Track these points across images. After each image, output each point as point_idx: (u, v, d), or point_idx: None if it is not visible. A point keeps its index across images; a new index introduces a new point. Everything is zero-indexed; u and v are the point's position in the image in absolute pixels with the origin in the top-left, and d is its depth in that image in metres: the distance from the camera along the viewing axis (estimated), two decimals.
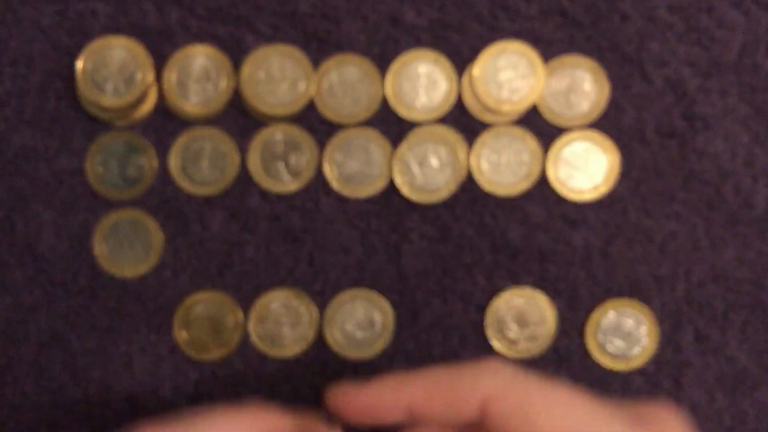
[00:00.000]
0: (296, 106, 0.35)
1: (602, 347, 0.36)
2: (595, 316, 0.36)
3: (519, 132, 0.36)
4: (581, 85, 0.35)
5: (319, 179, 0.36)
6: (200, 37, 0.35)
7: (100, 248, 0.35)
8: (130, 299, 0.35)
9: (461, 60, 0.35)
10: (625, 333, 0.36)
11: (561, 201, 0.36)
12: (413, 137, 0.35)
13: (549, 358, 0.36)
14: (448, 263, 0.36)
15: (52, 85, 0.35)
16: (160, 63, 0.35)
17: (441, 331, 0.36)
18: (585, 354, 0.36)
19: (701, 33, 0.36)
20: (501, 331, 0.36)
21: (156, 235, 0.35)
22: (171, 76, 0.35)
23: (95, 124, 0.35)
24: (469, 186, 0.36)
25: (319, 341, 0.36)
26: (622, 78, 0.36)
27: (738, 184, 0.36)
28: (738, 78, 0.36)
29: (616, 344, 0.36)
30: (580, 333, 0.36)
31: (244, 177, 0.35)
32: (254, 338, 0.35)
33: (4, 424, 0.35)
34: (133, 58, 0.34)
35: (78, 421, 0.35)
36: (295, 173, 0.35)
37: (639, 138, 0.36)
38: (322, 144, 0.35)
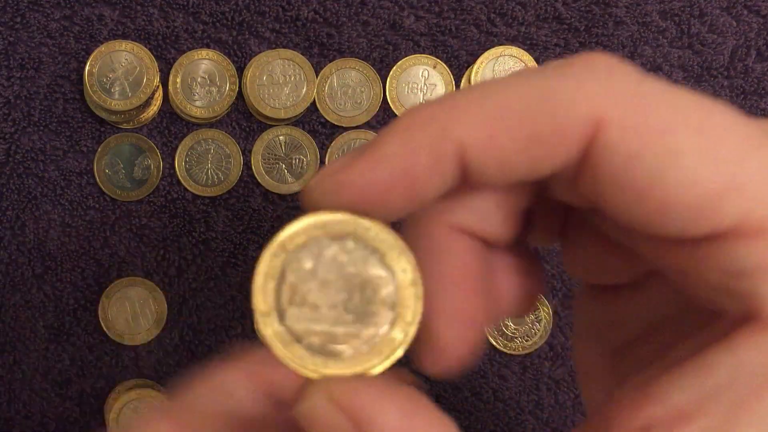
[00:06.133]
0: (298, 109, 0.35)
1: None
2: None
3: None
4: None
5: None
6: (205, 42, 0.35)
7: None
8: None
9: (459, 64, 0.36)
10: None
11: None
12: None
13: (545, 356, 0.36)
14: None
15: (61, 89, 0.35)
16: (165, 67, 0.35)
17: None
18: None
19: (693, 38, 0.36)
20: (498, 329, 0.36)
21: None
22: (176, 79, 0.35)
23: (102, 126, 0.35)
24: None
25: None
26: None
27: None
28: (729, 82, 0.36)
29: None
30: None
31: (247, 178, 0.36)
32: (258, 335, 0.36)
33: (14, 418, 0.35)
34: (140, 62, 0.34)
35: (86, 415, 0.35)
36: (297, 174, 0.36)
37: None
38: (323, 146, 0.36)
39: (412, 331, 0.17)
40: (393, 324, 0.17)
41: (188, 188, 0.35)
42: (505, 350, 0.36)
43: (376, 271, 0.17)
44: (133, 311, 0.35)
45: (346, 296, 0.17)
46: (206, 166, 0.35)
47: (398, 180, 0.16)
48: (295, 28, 0.35)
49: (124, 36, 0.35)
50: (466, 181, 0.17)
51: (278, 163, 0.35)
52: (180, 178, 0.35)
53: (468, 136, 0.16)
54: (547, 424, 0.36)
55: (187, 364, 0.36)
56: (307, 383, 0.17)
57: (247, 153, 0.36)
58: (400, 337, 0.17)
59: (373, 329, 0.17)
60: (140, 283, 0.35)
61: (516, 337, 0.36)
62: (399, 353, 0.17)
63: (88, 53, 0.35)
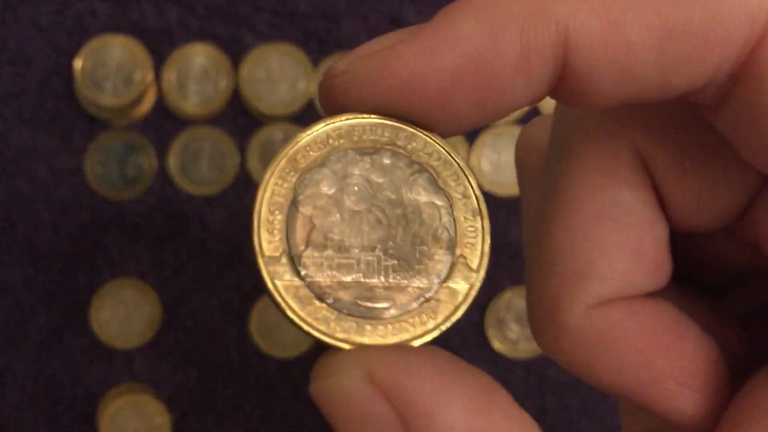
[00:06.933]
0: (296, 106, 0.35)
1: None
2: None
3: (519, 131, 0.36)
4: None
5: None
6: (199, 37, 0.35)
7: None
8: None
9: None
10: None
11: None
12: None
13: (550, 360, 0.36)
14: None
15: (51, 85, 0.35)
16: (159, 62, 0.35)
17: None
18: None
19: None
20: (501, 331, 0.36)
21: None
22: (170, 75, 0.35)
23: (94, 123, 0.35)
24: None
25: (320, 341, 0.36)
26: None
27: None
28: None
29: None
30: None
31: (243, 176, 0.35)
32: (255, 338, 0.35)
33: (5, 424, 0.35)
34: (132, 58, 0.34)
35: (78, 420, 0.35)
36: None
37: None
38: None
39: (479, 280, 0.13)
40: (452, 271, 0.13)
41: (183, 187, 0.35)
42: (509, 354, 0.36)
43: (426, 196, 0.13)
44: (127, 314, 0.35)
45: (385, 232, 0.13)
46: (201, 164, 0.35)
47: (470, 73, 0.11)
48: (293, 22, 0.35)
49: (117, 30, 0.35)
50: (559, 92, 0.12)
51: None
52: (174, 176, 0.35)
53: (578, 21, 0.11)
54: (552, 428, 0.36)
55: (183, 368, 0.35)
56: (333, 352, 0.13)
57: (243, 150, 0.35)
58: (462, 290, 0.13)
59: (424, 279, 0.13)
60: (133, 284, 0.35)
61: (520, 340, 0.36)
62: (461, 312, 0.13)
63: (80, 48, 0.34)
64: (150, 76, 0.34)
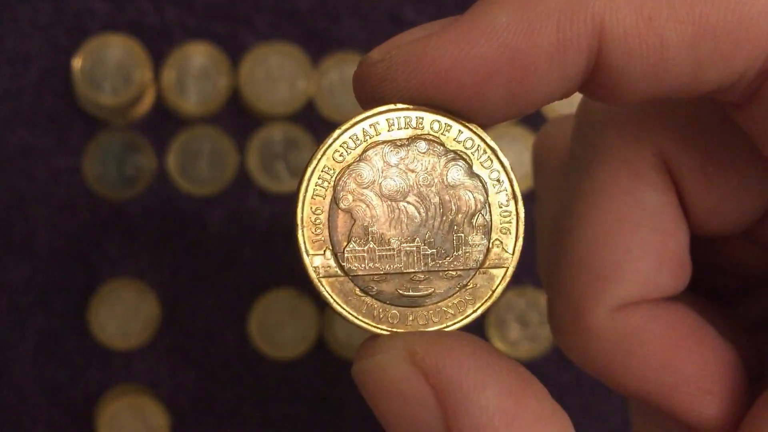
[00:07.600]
0: (295, 105, 0.35)
1: None
2: None
3: (520, 132, 0.35)
4: None
5: None
6: (199, 36, 0.35)
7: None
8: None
9: None
10: None
11: None
12: None
13: (551, 359, 0.36)
14: None
15: (50, 84, 0.35)
16: (158, 61, 0.35)
17: None
18: None
19: None
20: (502, 332, 0.36)
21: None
22: (169, 74, 0.34)
23: (93, 122, 0.35)
24: None
25: (320, 342, 0.35)
26: None
27: None
28: None
29: None
30: None
31: (243, 176, 0.35)
32: (254, 339, 0.35)
33: (2, 425, 0.35)
34: (131, 57, 0.34)
35: (76, 422, 0.35)
36: (294, 172, 0.35)
37: None
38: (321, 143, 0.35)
39: (514, 263, 0.14)
40: (488, 255, 0.13)
41: (182, 187, 0.35)
42: (509, 354, 0.36)
43: (462, 183, 0.13)
44: (125, 314, 0.35)
45: (423, 222, 0.13)
46: (200, 163, 0.35)
47: (506, 64, 0.12)
48: (292, 21, 0.35)
49: (116, 29, 0.35)
50: (590, 86, 0.12)
51: (275, 161, 0.35)
52: (173, 176, 0.35)
53: (614, 15, 0.12)
54: None
55: (182, 369, 0.35)
56: (376, 335, 0.13)
57: (242, 150, 0.35)
58: (498, 274, 0.13)
59: (462, 265, 0.13)
60: (132, 285, 0.35)
61: (521, 340, 0.36)
62: (497, 295, 0.13)
63: (78, 47, 0.34)
64: (149, 76, 0.34)
